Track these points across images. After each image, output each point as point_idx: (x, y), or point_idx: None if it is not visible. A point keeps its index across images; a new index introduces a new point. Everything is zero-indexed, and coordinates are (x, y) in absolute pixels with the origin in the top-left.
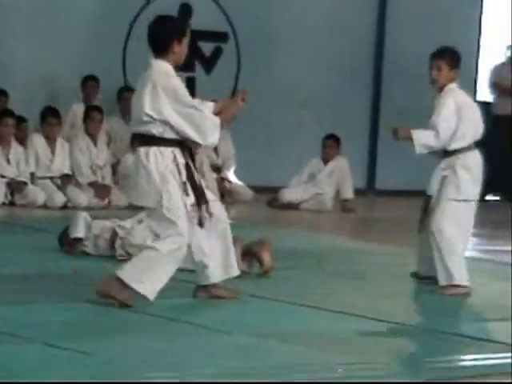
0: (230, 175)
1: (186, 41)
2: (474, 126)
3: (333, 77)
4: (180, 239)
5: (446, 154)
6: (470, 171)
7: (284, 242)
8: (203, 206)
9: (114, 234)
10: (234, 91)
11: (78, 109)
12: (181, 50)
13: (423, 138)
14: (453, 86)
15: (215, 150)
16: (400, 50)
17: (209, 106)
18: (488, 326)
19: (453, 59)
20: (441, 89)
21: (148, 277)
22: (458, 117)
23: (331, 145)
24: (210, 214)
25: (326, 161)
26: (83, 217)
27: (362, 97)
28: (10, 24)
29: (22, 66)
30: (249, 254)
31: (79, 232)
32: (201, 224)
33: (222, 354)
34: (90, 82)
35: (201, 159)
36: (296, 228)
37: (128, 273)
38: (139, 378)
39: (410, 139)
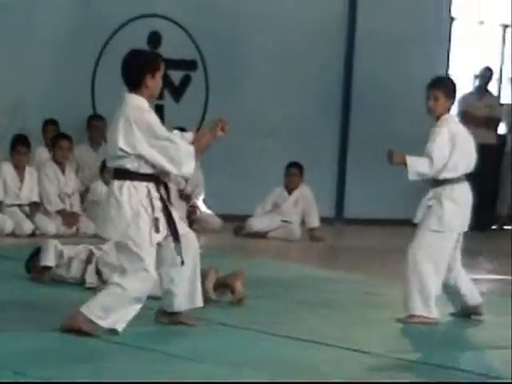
0: (200, 203)
1: (159, 74)
2: (467, 158)
3: (301, 104)
4: (146, 275)
5: (434, 183)
6: (456, 203)
7: (252, 270)
8: (175, 242)
9: (91, 254)
10: (202, 119)
11: (43, 152)
12: (154, 83)
13: (417, 166)
14: (449, 115)
15: (184, 178)
16: (369, 77)
17: (187, 137)
18: (451, 354)
19: (449, 89)
20: (437, 118)
21: (112, 314)
22: (452, 146)
23: (295, 173)
24: (179, 252)
25: (289, 189)
26: (53, 244)
27: (331, 124)
28: None
29: None
30: (222, 286)
31: (49, 260)
32: (182, 262)
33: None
34: (50, 127)
35: (169, 188)
36: (264, 257)
37: (92, 309)
38: None
39: (404, 165)
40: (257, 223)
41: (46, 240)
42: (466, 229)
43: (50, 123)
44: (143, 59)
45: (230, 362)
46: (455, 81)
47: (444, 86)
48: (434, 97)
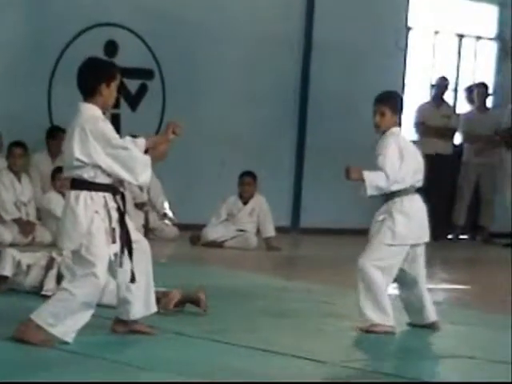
0: (168, 210)
1: (115, 84)
2: (415, 170)
3: (258, 114)
4: (95, 281)
5: (385, 197)
6: (407, 215)
7: (208, 279)
8: (127, 254)
9: (52, 260)
10: (159, 128)
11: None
12: (109, 93)
13: (375, 180)
14: (396, 129)
15: (139, 186)
16: (325, 88)
17: (140, 144)
18: (407, 364)
19: (396, 103)
20: (383, 132)
21: (62, 321)
22: (400, 159)
23: (249, 182)
24: (130, 268)
25: (243, 198)
26: (10, 254)
27: (287, 134)
28: None
29: None
30: (186, 303)
31: (6, 270)
32: (133, 279)
33: None
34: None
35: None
36: (220, 266)
37: (42, 316)
38: None
39: (362, 180)
40: (212, 232)
41: (2, 249)
42: (423, 240)
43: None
44: (99, 68)
45: (182, 372)
46: (401, 94)
47: (390, 100)
48: (380, 112)
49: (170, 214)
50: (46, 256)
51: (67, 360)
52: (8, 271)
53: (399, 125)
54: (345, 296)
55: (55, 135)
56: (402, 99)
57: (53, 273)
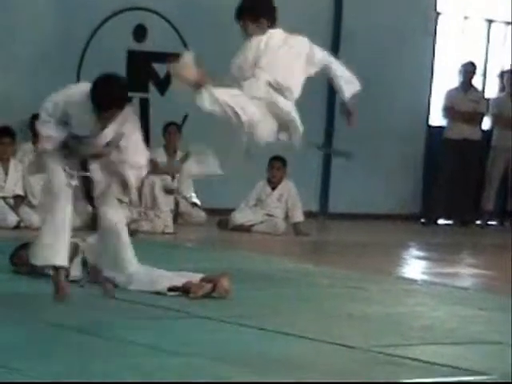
0: (196, 199)
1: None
2: None
3: None
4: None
5: None
6: None
7: (236, 263)
8: None
9: (76, 247)
10: (187, 112)
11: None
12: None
13: None
14: None
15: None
16: (354, 72)
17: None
18: (430, 349)
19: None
20: None
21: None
22: None
23: (278, 167)
24: None
25: (272, 183)
26: None
27: (316, 119)
28: None
29: None
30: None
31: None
32: None
33: (173, 376)
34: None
35: (152, 181)
36: (246, 250)
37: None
38: None
39: None
40: (240, 217)
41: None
42: None
43: (36, 118)
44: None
45: (205, 355)
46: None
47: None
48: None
49: (198, 202)
50: (71, 243)
51: (97, 344)
52: None
53: None
54: (373, 281)
55: None
56: None
57: (78, 260)
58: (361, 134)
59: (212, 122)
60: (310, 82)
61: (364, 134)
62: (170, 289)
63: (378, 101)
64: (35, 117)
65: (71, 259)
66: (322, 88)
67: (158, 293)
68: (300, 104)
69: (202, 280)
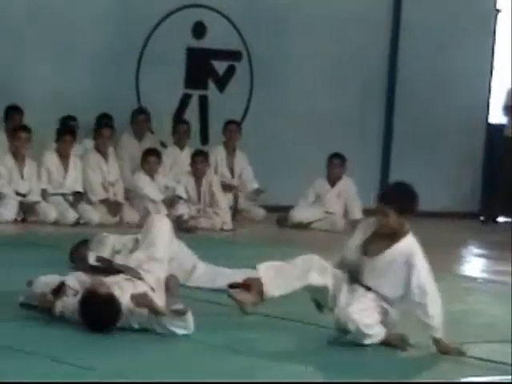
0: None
1: None
2: None
3: (346, 96)
4: None
5: None
6: None
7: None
8: None
9: (136, 242)
10: (246, 110)
11: (89, 143)
12: None
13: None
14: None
15: (231, 170)
16: (413, 70)
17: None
18: (490, 347)
19: (403, 203)
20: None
21: None
22: None
23: (337, 164)
24: None
25: (331, 180)
26: (112, 243)
27: (375, 116)
28: (25, 42)
29: (37, 85)
30: None
31: (105, 253)
32: None
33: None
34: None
35: (210, 178)
36: (305, 248)
37: None
38: None
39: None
40: (299, 214)
41: (104, 236)
42: None
43: (102, 117)
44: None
45: (267, 353)
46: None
47: (395, 200)
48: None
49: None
50: (132, 239)
51: (161, 341)
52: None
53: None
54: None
55: (139, 117)
56: (411, 196)
57: None
58: (419, 130)
59: (271, 121)
60: (368, 78)
61: (422, 130)
62: (231, 285)
63: (437, 96)
64: (102, 116)
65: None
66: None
67: (217, 289)
68: (359, 101)
69: None
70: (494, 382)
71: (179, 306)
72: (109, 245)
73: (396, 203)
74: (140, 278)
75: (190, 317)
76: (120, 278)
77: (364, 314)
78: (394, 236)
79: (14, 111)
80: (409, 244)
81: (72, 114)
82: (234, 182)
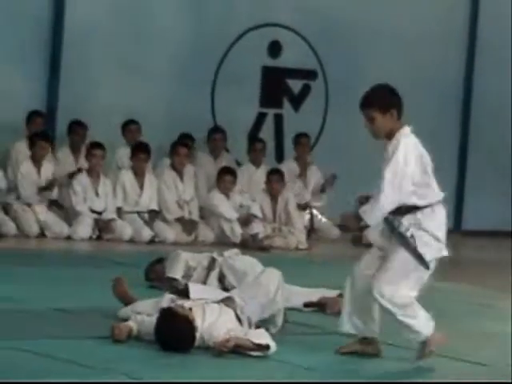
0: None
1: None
2: None
3: (420, 117)
4: None
5: None
6: None
7: None
8: None
9: (212, 260)
10: (321, 129)
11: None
12: None
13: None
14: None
15: (304, 183)
16: (489, 88)
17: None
18: None
19: (383, 101)
20: (388, 137)
21: None
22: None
23: None
24: None
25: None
26: (185, 259)
27: (451, 135)
28: (97, 60)
29: (108, 103)
30: None
31: (177, 273)
32: None
33: None
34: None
35: (286, 197)
36: None
37: None
38: None
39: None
40: (374, 233)
41: (177, 253)
42: None
43: (183, 137)
44: None
45: (342, 371)
46: (388, 85)
47: (375, 101)
48: (368, 118)
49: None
50: (207, 257)
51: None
52: (178, 274)
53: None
54: (504, 299)
55: (215, 136)
56: (389, 93)
57: (215, 273)
58: (495, 148)
59: (346, 139)
60: (443, 95)
61: (498, 148)
62: (306, 304)
63: None
64: (182, 136)
65: (208, 272)
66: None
67: (292, 308)
68: (433, 119)
69: (339, 296)
70: (493, 382)
71: (263, 340)
72: (182, 261)
73: (375, 103)
74: (227, 305)
75: (272, 349)
76: (208, 301)
77: None
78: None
79: (77, 126)
80: (396, 139)
81: (145, 138)
82: (306, 197)
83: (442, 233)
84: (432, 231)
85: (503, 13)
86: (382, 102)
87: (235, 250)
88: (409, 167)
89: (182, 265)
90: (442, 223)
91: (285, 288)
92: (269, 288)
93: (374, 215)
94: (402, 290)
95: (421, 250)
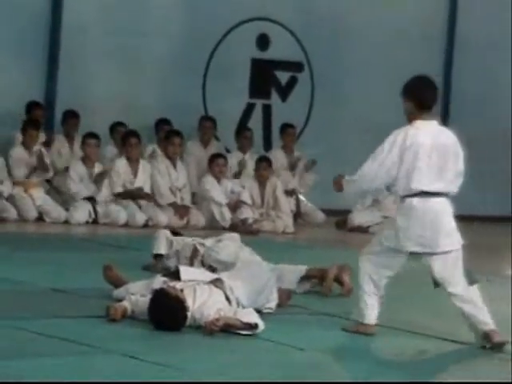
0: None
1: None
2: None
3: (400, 107)
4: None
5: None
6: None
7: (350, 263)
8: None
9: (195, 251)
10: (307, 118)
11: (154, 149)
12: None
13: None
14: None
15: (291, 170)
16: (466, 84)
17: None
18: None
19: (408, 90)
20: (409, 122)
21: None
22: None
23: None
24: None
25: (389, 187)
26: (164, 234)
27: None
28: (94, 52)
29: (104, 94)
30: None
31: (160, 249)
32: None
33: (294, 369)
34: (163, 126)
35: (274, 183)
36: None
37: None
38: None
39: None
40: (358, 218)
41: (157, 230)
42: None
43: (163, 122)
44: None
45: (329, 350)
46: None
47: (405, 86)
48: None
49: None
50: (190, 246)
51: (227, 338)
52: (163, 250)
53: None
54: (499, 284)
55: (205, 124)
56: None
57: (197, 261)
58: (472, 140)
59: (331, 128)
60: None
61: (475, 141)
62: (305, 277)
63: (489, 110)
64: (161, 121)
65: (191, 261)
66: None
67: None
68: None
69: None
70: (493, 382)
71: (252, 319)
72: (163, 237)
73: (404, 88)
74: (216, 286)
75: (261, 327)
76: (199, 282)
77: None
78: None
79: (70, 116)
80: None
81: (135, 124)
82: (294, 184)
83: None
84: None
85: (480, 15)
86: (407, 90)
87: (216, 238)
88: (390, 155)
89: (163, 241)
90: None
91: (277, 268)
92: (261, 276)
93: (351, 184)
94: None
95: None
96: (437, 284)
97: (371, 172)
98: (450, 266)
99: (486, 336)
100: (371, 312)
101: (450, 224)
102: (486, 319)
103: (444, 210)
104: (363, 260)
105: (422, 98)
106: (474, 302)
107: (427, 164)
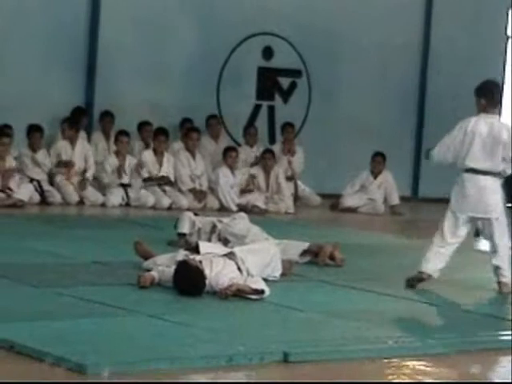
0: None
1: None
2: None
3: (386, 108)
4: None
5: None
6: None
7: (344, 238)
8: None
9: (213, 227)
10: (305, 117)
11: (178, 144)
12: None
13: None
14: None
15: (289, 163)
16: (440, 88)
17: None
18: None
19: (479, 90)
20: None
21: None
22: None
23: (379, 160)
24: None
25: (374, 173)
26: (188, 215)
27: (409, 122)
28: (125, 66)
29: (134, 99)
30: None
31: (184, 228)
32: None
33: (295, 327)
34: (185, 124)
35: (277, 171)
36: (353, 227)
37: None
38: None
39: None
40: (348, 200)
41: (183, 213)
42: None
43: (186, 121)
44: None
45: (324, 311)
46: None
47: (478, 86)
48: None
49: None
50: (210, 222)
51: (237, 301)
52: (186, 229)
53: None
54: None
55: (211, 121)
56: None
57: (215, 236)
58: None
59: (325, 126)
60: (402, 92)
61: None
62: (304, 252)
63: (459, 111)
64: (185, 120)
65: (210, 236)
66: None
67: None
68: (394, 110)
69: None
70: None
71: (259, 286)
72: (187, 218)
73: (477, 88)
74: (230, 258)
75: (267, 293)
76: (215, 255)
77: None
78: None
79: (106, 115)
80: None
81: (162, 123)
82: (292, 170)
83: None
84: None
85: (451, 32)
86: (478, 90)
87: (231, 217)
88: (457, 137)
89: (187, 222)
90: None
91: (282, 243)
92: (268, 250)
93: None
94: None
95: None
96: (477, 234)
97: (443, 148)
98: (492, 229)
99: (498, 284)
100: None
101: (492, 197)
102: (505, 273)
103: (487, 185)
104: None
105: (491, 96)
106: (501, 257)
107: (481, 147)
